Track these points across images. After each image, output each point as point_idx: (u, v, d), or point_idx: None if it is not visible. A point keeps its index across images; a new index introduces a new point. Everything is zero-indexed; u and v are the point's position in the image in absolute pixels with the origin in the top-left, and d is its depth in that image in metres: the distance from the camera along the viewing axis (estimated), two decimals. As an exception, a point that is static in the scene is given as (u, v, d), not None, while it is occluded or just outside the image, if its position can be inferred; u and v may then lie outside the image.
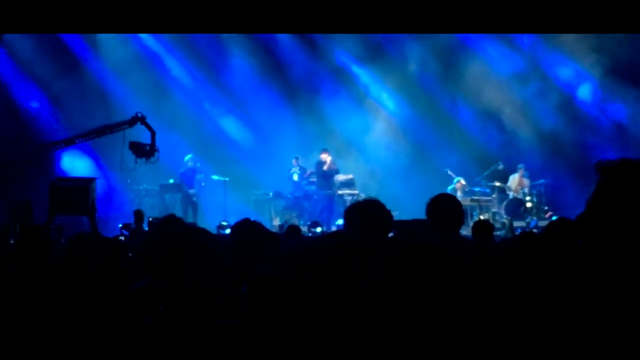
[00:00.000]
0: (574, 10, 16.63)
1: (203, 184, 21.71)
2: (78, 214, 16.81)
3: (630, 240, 3.81)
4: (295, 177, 22.64)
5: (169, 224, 6.05)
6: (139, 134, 17.29)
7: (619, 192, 4.22)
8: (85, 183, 16.88)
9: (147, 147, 16.85)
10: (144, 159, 16.93)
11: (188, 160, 21.45)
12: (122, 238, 15.92)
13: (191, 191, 21.36)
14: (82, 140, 17.31)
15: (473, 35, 23.11)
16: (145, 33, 22.75)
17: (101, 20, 17.44)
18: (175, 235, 4.82)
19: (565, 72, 22.74)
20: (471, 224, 20.03)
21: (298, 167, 22.76)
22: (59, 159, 20.80)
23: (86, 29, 20.43)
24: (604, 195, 4.10)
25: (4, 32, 19.47)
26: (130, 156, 16.96)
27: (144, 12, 17.12)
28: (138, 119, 16.97)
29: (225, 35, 23.48)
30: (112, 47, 23.24)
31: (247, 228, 6.08)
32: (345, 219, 5.48)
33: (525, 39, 22.81)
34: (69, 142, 17.28)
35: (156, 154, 16.92)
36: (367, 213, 5.44)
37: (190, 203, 21.40)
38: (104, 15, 17.08)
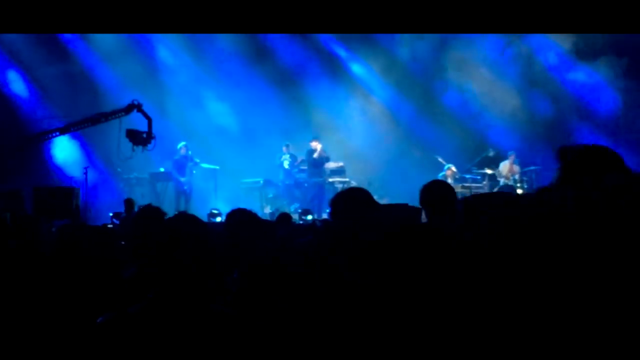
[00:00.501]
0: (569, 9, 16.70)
1: (194, 171, 21.64)
2: (60, 219, 16.77)
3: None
4: (286, 165, 22.60)
5: (149, 213, 6.06)
6: (133, 121, 17.34)
7: (579, 179, 4.22)
8: (69, 189, 17.00)
9: (144, 135, 16.84)
10: (140, 147, 16.93)
11: (181, 148, 21.29)
12: (111, 226, 15.95)
13: (183, 179, 21.30)
14: (77, 129, 17.32)
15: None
16: (140, 33, 22.72)
17: (95, 20, 17.46)
18: (161, 223, 4.82)
19: (555, 57, 22.81)
20: (462, 210, 20.09)
21: (289, 155, 22.71)
22: (50, 148, 20.79)
23: (78, 29, 20.42)
24: (564, 182, 4.09)
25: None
26: (126, 144, 16.98)
27: (139, 12, 17.16)
28: (134, 106, 16.98)
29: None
30: (103, 40, 23.25)
31: (241, 217, 6.08)
32: (331, 208, 5.48)
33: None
34: (64, 130, 17.29)
35: (153, 141, 16.92)
36: (353, 201, 5.43)
37: (182, 191, 21.36)
38: (97, 15, 17.10)
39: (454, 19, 18.27)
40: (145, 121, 17.13)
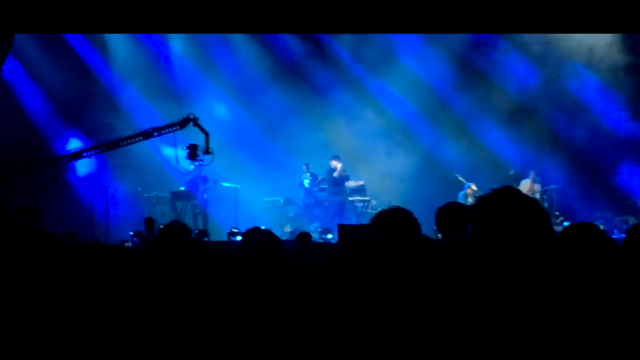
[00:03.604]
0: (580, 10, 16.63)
1: (206, 196, 21.46)
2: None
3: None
4: (306, 184, 22.59)
5: (176, 229, 6.06)
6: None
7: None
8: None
9: (202, 149, 16.76)
10: (197, 161, 16.87)
11: (193, 169, 21.18)
12: (131, 244, 15.95)
13: (194, 201, 21.19)
14: (126, 144, 17.17)
15: (486, 40, 23.17)
16: (151, 33, 22.76)
17: (107, 20, 17.42)
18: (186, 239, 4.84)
19: (576, 78, 22.78)
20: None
21: (309, 174, 22.70)
22: (70, 169, 20.83)
23: (92, 29, 20.42)
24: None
25: (15, 32, 19.42)
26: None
27: (150, 12, 17.11)
28: (190, 120, 16.85)
29: (236, 38, 23.62)
30: (120, 50, 23.34)
31: (257, 236, 6.08)
32: (372, 225, 5.45)
33: (538, 44, 22.78)
34: (112, 146, 17.16)
35: (211, 156, 16.81)
36: (395, 220, 5.42)
37: (195, 213, 21.29)
38: (110, 15, 17.07)
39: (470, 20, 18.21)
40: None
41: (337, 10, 17.75)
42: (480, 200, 3.77)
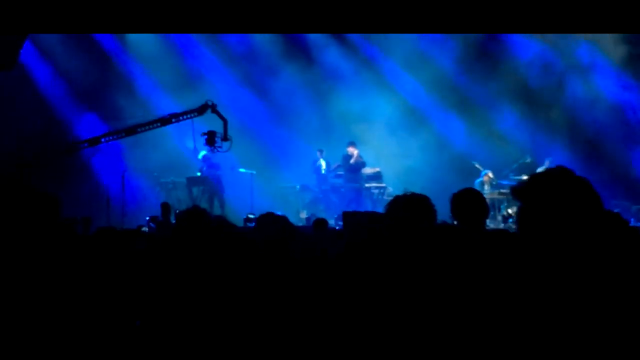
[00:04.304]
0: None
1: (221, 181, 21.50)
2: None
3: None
4: (324, 170, 22.63)
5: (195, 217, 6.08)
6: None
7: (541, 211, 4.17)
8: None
9: (220, 136, 16.75)
10: (215, 147, 16.86)
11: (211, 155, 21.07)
12: (147, 229, 15.98)
13: (210, 188, 21.20)
14: (144, 129, 17.16)
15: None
16: (169, 33, 22.81)
17: (127, 20, 17.47)
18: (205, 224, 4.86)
19: (594, 66, 22.72)
20: (499, 217, 20.03)
21: (323, 160, 22.74)
22: (87, 154, 20.87)
23: (111, 29, 20.49)
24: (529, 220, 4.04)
25: (33, 32, 19.52)
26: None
27: (171, 11, 17.16)
28: (208, 107, 16.82)
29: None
30: (139, 40, 23.37)
31: (270, 221, 6.10)
32: (387, 212, 5.45)
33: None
34: (130, 132, 17.14)
35: (229, 142, 16.79)
36: (411, 206, 5.41)
37: (217, 197, 21.33)
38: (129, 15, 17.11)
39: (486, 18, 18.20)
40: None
41: (343, 11, 17.79)
42: (532, 179, 3.75)
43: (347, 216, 12.81)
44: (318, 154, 22.77)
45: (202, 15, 17.91)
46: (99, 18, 17.21)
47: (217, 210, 20.76)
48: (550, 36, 22.72)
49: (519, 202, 3.75)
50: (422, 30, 20.65)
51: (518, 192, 3.76)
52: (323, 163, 22.76)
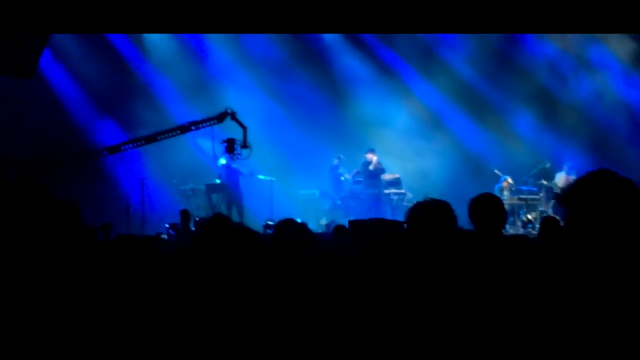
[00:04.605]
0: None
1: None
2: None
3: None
4: (346, 177, 22.73)
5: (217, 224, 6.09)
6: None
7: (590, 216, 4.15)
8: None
9: (240, 143, 16.80)
10: (235, 155, 16.91)
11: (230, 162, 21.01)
12: (166, 237, 16.02)
13: (229, 194, 21.22)
14: (164, 137, 17.22)
15: (524, 34, 23.21)
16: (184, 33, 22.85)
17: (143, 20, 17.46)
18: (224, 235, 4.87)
19: (614, 70, 22.68)
20: (519, 223, 19.99)
21: (342, 167, 22.81)
22: (106, 161, 20.93)
23: (128, 29, 20.52)
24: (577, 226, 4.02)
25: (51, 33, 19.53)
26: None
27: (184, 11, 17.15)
28: (228, 114, 16.89)
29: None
30: (156, 42, 23.48)
31: (288, 227, 6.12)
32: (407, 218, 5.46)
33: (577, 37, 22.74)
34: (150, 139, 17.20)
35: (248, 150, 16.85)
36: (431, 212, 5.42)
37: (236, 204, 21.33)
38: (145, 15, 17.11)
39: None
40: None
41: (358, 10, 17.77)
42: (578, 182, 3.74)
43: (353, 225, 12.87)
44: (337, 161, 22.79)
45: (216, 15, 17.90)
46: (113, 18, 17.22)
47: (235, 218, 20.76)
48: (569, 40, 22.75)
49: (566, 208, 3.74)
50: (434, 30, 20.64)
51: (565, 198, 3.75)
52: (343, 170, 22.82)
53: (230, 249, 4.53)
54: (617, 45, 22.23)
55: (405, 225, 5.54)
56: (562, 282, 3.79)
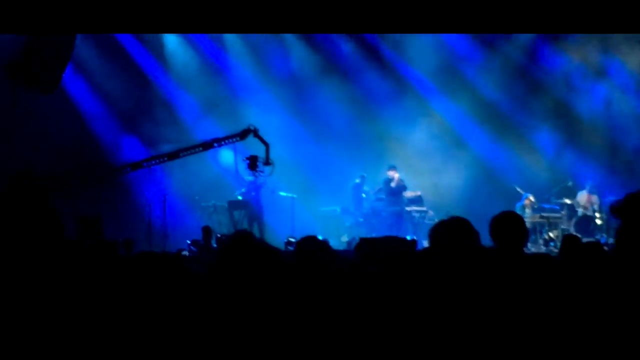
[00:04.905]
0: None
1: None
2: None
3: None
4: (364, 194, 22.77)
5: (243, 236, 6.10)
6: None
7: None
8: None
9: (262, 160, 16.82)
10: (257, 172, 16.94)
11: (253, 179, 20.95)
12: (188, 253, 16.04)
13: (250, 211, 21.25)
14: (186, 154, 17.26)
15: (544, 49, 23.19)
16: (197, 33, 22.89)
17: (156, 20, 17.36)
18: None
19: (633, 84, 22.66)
20: (540, 241, 19.94)
21: (365, 185, 22.85)
22: (129, 177, 20.98)
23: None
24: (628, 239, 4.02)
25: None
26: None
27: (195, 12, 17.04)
28: (250, 131, 16.92)
29: (292, 45, 23.90)
30: (177, 58, 23.61)
31: (309, 245, 6.13)
32: (430, 237, 5.49)
33: (597, 53, 22.71)
34: (173, 156, 17.24)
35: (271, 167, 16.86)
36: (454, 230, 5.44)
37: (257, 221, 21.34)
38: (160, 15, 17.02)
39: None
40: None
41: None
42: (631, 197, 3.76)
43: (362, 242, 12.89)
44: (360, 179, 22.83)
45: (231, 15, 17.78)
46: (127, 17, 17.13)
47: (256, 234, 20.76)
48: (588, 53, 22.71)
49: (618, 219, 3.76)
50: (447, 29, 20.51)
51: (617, 209, 3.77)
52: (367, 189, 22.89)
53: (252, 266, 4.55)
54: (633, 58, 22.22)
55: (428, 244, 5.57)
56: (586, 299, 3.79)
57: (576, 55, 23.06)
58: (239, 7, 16.82)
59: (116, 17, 16.75)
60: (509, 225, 6.09)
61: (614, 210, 4.07)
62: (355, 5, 16.75)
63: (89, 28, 17.96)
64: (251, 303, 4.41)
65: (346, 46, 24.27)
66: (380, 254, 10.95)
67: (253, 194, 20.91)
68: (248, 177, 19.38)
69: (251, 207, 21.12)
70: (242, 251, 4.81)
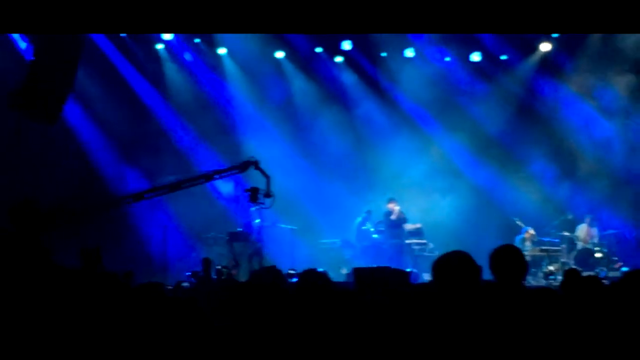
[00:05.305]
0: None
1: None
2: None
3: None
4: (368, 227, 22.84)
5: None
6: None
7: None
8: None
9: (263, 192, 16.79)
10: (258, 204, 16.91)
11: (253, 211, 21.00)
12: (188, 285, 16.02)
13: (249, 243, 21.30)
14: (188, 186, 17.22)
15: (542, 81, 23.33)
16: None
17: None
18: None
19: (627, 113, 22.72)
20: (540, 274, 19.94)
21: (369, 222, 22.92)
22: (129, 209, 20.97)
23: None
24: None
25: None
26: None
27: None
28: (251, 164, 16.87)
29: (291, 76, 24.01)
30: (177, 88, 23.71)
31: (311, 278, 6.15)
32: (433, 272, 5.51)
33: (595, 83, 22.78)
34: (174, 188, 17.20)
35: (271, 199, 16.82)
36: (455, 265, 5.45)
37: (256, 253, 21.34)
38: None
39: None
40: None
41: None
42: None
43: (357, 272, 12.93)
44: (366, 214, 22.92)
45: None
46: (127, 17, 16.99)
47: (255, 266, 20.74)
48: (584, 84, 22.81)
49: None
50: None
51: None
52: (369, 225, 22.94)
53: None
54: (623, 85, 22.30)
55: (431, 277, 5.60)
56: (587, 333, 3.81)
57: (574, 87, 23.15)
58: (232, 6, 16.75)
59: (116, 16, 16.67)
60: (508, 259, 6.10)
61: None
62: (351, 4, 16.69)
63: (88, 27, 17.85)
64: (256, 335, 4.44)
65: (346, 77, 24.41)
66: (375, 283, 10.99)
67: (254, 226, 20.95)
68: (248, 208, 19.40)
69: (252, 239, 21.16)
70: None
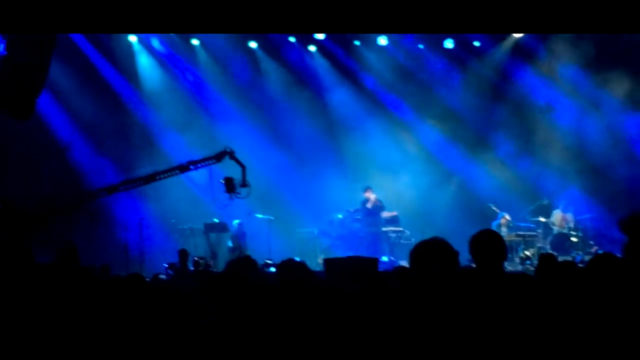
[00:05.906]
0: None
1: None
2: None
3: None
4: (341, 215, 22.85)
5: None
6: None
7: None
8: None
9: (238, 182, 16.70)
10: (234, 194, 16.80)
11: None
12: (165, 277, 15.98)
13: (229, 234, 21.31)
14: (162, 177, 17.11)
15: (514, 67, 23.37)
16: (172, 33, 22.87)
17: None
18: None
19: (610, 103, 22.72)
20: (516, 259, 19.99)
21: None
22: (104, 202, 20.87)
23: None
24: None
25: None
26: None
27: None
28: (226, 154, 16.76)
29: (266, 66, 23.93)
30: (150, 80, 23.65)
31: (291, 267, 6.15)
32: (411, 259, 5.50)
33: (567, 68, 22.82)
34: (149, 180, 17.09)
35: (247, 189, 16.73)
36: (433, 252, 5.45)
37: (235, 244, 21.36)
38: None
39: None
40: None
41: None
42: (636, 215, 3.82)
43: (328, 263, 12.96)
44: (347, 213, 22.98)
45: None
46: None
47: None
48: (561, 73, 22.86)
49: (626, 235, 3.83)
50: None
51: (625, 226, 3.83)
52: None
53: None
54: (614, 83, 22.30)
55: (408, 265, 5.59)
56: (563, 318, 3.81)
57: (547, 71, 23.22)
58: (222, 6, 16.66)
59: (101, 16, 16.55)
60: (489, 243, 6.11)
61: (622, 227, 4.15)
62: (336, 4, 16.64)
63: (60, 28, 17.72)
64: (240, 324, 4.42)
65: (320, 65, 24.41)
66: (344, 272, 11.02)
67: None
68: (224, 200, 19.35)
69: (229, 230, 21.19)
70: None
